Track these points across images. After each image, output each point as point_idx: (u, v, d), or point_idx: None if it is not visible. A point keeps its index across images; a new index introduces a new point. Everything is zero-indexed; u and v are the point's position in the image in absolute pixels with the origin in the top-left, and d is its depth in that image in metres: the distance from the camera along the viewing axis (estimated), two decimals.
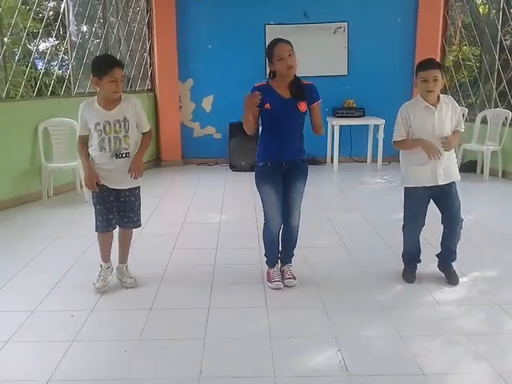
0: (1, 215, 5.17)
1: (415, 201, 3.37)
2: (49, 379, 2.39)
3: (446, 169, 3.29)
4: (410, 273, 3.49)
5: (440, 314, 3.00)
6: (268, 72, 3.23)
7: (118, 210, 3.36)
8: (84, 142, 3.28)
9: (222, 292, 3.32)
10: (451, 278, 3.41)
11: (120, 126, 3.16)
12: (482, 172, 6.71)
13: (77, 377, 2.43)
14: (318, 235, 4.44)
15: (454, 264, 3.46)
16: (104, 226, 3.32)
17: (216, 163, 7.92)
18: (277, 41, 3.14)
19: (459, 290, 3.32)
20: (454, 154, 3.37)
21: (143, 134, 3.36)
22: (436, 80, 3.13)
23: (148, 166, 7.66)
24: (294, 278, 3.40)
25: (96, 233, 3.38)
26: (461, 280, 3.44)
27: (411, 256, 3.52)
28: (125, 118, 3.17)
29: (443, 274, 3.47)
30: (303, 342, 2.69)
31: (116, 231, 3.45)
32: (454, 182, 3.34)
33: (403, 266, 3.56)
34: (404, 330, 2.80)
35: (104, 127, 3.14)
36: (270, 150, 3.23)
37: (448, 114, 3.26)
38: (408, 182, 3.37)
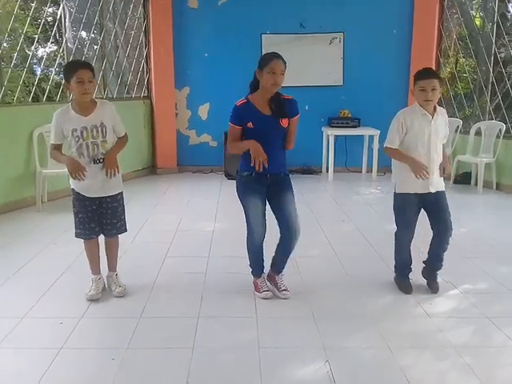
0: None
1: (408, 208, 3.39)
2: None
3: (437, 177, 3.33)
4: (406, 284, 3.49)
5: (429, 326, 3.00)
6: (252, 81, 3.19)
7: (101, 218, 3.34)
8: (58, 149, 3.25)
9: (212, 301, 3.32)
10: (433, 287, 3.46)
11: (97, 132, 3.16)
12: (476, 184, 6.74)
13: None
14: (310, 245, 4.44)
15: (438, 273, 3.51)
16: (87, 234, 3.33)
17: (211, 171, 7.93)
18: (276, 56, 3.10)
19: (449, 302, 3.33)
20: None
21: (119, 138, 3.34)
22: (434, 90, 3.16)
23: (143, 173, 7.69)
24: (288, 290, 3.39)
25: (82, 240, 3.38)
26: (451, 292, 3.47)
27: (405, 265, 3.53)
28: (102, 123, 3.17)
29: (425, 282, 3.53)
30: (291, 352, 2.69)
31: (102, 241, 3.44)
32: (443, 191, 3.39)
33: (397, 278, 3.56)
34: (393, 341, 2.80)
35: (81, 133, 3.14)
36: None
37: (442, 125, 3.32)
38: (402, 188, 3.38)
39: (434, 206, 3.38)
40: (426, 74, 3.21)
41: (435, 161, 3.31)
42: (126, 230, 3.46)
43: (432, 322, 3.06)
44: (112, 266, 3.50)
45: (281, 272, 3.47)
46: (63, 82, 3.26)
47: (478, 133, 6.90)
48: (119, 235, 3.47)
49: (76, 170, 3.11)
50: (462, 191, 6.63)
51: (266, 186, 3.26)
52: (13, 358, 2.66)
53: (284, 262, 3.44)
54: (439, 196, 3.37)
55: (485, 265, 3.97)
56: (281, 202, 3.27)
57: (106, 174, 3.21)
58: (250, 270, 3.48)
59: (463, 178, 6.98)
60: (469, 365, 2.57)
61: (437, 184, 3.35)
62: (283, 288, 3.40)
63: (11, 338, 2.84)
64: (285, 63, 3.11)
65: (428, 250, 3.51)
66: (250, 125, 3.15)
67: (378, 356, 2.68)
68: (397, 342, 2.80)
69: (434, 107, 3.27)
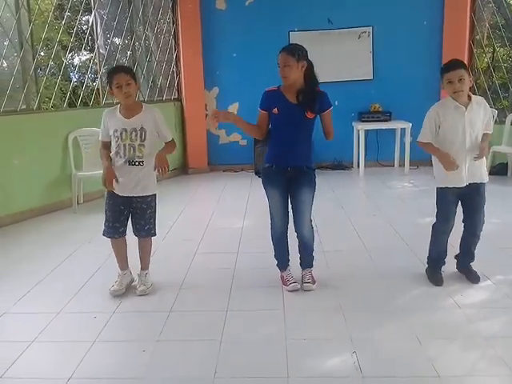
0: (32, 222, 5.36)
1: (447, 201, 3.34)
2: (70, 377, 2.47)
3: (471, 169, 3.24)
4: (437, 276, 3.44)
5: (459, 317, 2.96)
6: None
7: (130, 218, 3.43)
8: (106, 146, 3.38)
9: (240, 295, 3.36)
10: (473, 277, 3.39)
11: (136, 135, 3.25)
12: None
13: (96, 375, 2.51)
14: (340, 239, 4.44)
15: (472, 265, 3.44)
16: (110, 233, 3.42)
17: (242, 169, 8.00)
18: (282, 49, 3.18)
19: (481, 293, 3.27)
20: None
21: (166, 143, 3.43)
22: (462, 79, 3.10)
23: (175, 173, 7.81)
24: (313, 283, 3.39)
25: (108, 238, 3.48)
26: (484, 283, 3.39)
27: (439, 257, 3.47)
28: (142, 128, 3.26)
29: (463, 276, 3.46)
30: (318, 344, 2.70)
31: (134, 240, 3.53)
32: (482, 183, 3.30)
33: (429, 270, 3.51)
34: (421, 332, 2.77)
35: (121, 134, 3.25)
36: (275, 154, 3.29)
37: (479, 116, 3.21)
38: (440, 182, 3.34)
39: (469, 200, 3.32)
40: (450, 66, 3.16)
41: (471, 152, 3.22)
42: (154, 235, 3.48)
43: (463, 312, 3.01)
44: (143, 265, 3.55)
45: (307, 267, 3.46)
46: (107, 88, 3.40)
47: None
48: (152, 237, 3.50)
49: (109, 180, 3.24)
50: (497, 182, 6.43)
51: (287, 178, 3.27)
52: (49, 350, 2.78)
53: (305, 258, 3.45)
54: (476, 190, 3.28)
55: None
56: (296, 200, 3.28)
57: (156, 169, 3.28)
58: (276, 262, 3.51)
59: (499, 169, 6.81)
60: (499, 355, 2.52)
61: (473, 176, 3.26)
62: (306, 280, 3.40)
63: (48, 331, 2.96)
64: (292, 54, 3.11)
65: (460, 243, 3.47)
66: (275, 111, 3.20)
67: (406, 347, 2.65)
68: (425, 333, 2.77)
69: (469, 97, 3.19)
